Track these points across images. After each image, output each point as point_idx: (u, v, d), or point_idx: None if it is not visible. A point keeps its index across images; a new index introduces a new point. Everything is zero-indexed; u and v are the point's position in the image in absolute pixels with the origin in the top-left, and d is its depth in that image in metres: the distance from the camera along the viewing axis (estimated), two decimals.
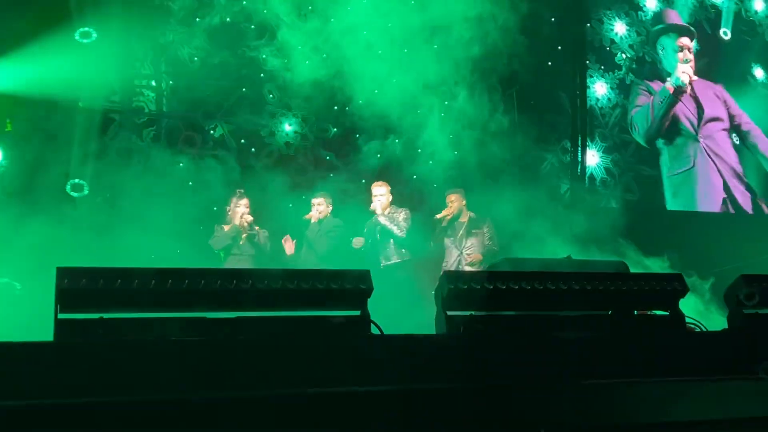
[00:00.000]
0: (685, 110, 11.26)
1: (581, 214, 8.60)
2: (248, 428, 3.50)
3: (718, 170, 11.21)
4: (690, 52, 11.25)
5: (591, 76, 10.75)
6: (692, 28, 11.57)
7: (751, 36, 12.01)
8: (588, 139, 10.38)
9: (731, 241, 9.27)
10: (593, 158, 10.49)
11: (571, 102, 10.16)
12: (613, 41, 11.12)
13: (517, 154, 8.77)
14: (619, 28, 11.24)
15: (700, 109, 11.32)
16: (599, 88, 10.73)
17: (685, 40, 11.35)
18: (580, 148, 9.70)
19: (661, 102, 11.09)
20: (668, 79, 11.16)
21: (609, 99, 10.76)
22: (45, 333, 3.74)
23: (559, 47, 10.55)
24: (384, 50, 8.29)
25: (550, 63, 10.39)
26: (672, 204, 11.02)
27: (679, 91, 11.11)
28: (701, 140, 11.23)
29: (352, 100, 8.46)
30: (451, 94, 8.67)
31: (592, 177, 10.43)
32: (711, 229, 10.14)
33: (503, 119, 8.86)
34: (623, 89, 11.06)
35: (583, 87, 9.77)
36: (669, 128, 11.20)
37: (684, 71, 11.13)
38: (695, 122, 11.25)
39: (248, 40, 8.83)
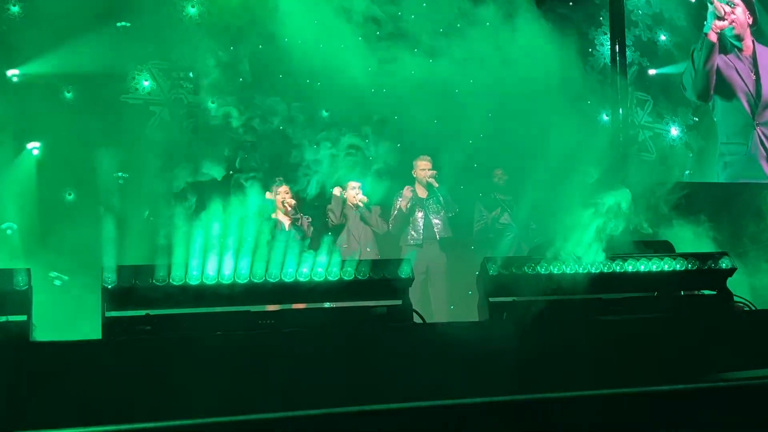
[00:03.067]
0: (742, 84, 10.43)
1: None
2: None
3: None
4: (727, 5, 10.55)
5: (605, 33, 10.28)
6: None
7: None
8: (601, 98, 9.98)
9: None
10: (605, 118, 10.17)
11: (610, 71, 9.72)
12: None
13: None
14: None
15: (758, 85, 10.46)
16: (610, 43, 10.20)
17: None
18: (621, 120, 9.26)
19: (700, 49, 10.26)
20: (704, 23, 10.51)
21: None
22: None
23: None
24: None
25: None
26: (721, 176, 10.58)
27: (720, 37, 10.18)
28: (758, 128, 10.38)
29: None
30: None
31: None
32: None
33: None
34: (639, 46, 10.66)
35: (623, 55, 9.25)
36: (724, 96, 10.56)
37: (717, 5, 10.14)
38: (753, 100, 10.42)
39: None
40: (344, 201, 7.91)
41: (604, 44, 10.37)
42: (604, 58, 10.27)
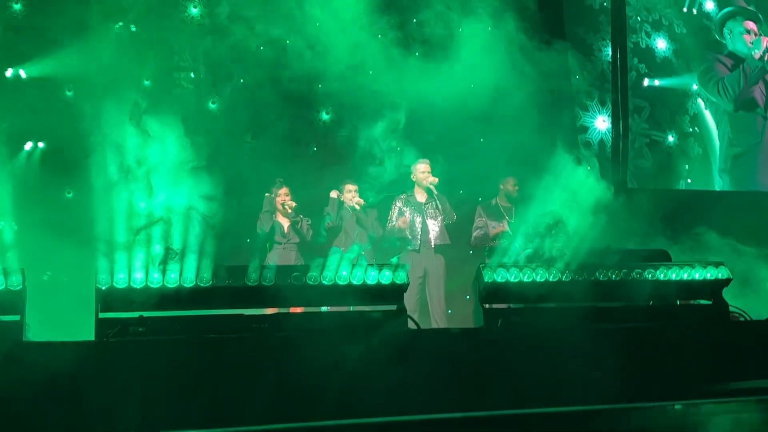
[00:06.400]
0: (759, 88, 11.04)
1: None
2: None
3: None
4: (756, 35, 10.99)
5: (603, 39, 10.32)
6: (759, 15, 11.24)
7: None
8: (598, 104, 10.07)
9: None
10: (603, 124, 10.21)
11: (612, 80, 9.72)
12: (627, 3, 10.71)
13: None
14: None
15: None
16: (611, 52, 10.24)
17: (750, 24, 11.09)
18: (621, 139, 9.25)
19: (753, 71, 10.68)
20: (756, 52, 10.91)
21: None
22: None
23: None
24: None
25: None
26: (723, 180, 10.68)
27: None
28: None
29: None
30: None
31: (602, 143, 10.12)
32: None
33: None
34: (637, 53, 10.67)
35: (624, 70, 9.31)
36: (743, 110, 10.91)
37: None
38: (764, 101, 10.85)
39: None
40: (341, 203, 7.91)
41: (602, 50, 10.36)
42: (602, 64, 10.27)
